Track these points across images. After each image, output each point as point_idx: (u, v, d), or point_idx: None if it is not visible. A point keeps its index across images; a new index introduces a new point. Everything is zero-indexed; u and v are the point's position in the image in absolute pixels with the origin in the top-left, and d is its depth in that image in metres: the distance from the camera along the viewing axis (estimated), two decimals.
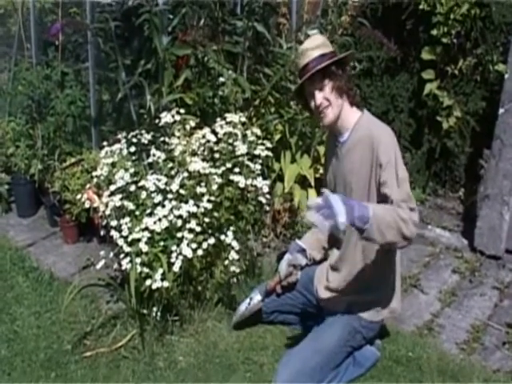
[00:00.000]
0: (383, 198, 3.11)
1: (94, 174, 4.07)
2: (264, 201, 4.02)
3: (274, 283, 3.72)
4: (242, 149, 3.96)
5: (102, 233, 4.06)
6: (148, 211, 3.68)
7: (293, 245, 3.77)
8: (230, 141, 4.02)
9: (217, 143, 4.02)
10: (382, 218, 2.88)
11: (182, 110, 4.13)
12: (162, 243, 3.59)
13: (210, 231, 3.76)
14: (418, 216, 3.01)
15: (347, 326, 3.43)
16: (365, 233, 2.88)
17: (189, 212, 3.61)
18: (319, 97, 3.28)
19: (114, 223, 3.74)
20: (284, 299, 3.78)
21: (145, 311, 3.73)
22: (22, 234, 4.97)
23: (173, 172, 3.89)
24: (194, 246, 3.55)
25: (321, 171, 4.58)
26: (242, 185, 3.87)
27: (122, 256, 3.62)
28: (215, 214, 3.80)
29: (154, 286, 3.49)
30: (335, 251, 3.58)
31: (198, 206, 3.65)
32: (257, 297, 3.75)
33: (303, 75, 3.30)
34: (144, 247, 3.52)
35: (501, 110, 4.70)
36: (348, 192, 3.34)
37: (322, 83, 3.26)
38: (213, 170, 3.81)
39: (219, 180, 3.81)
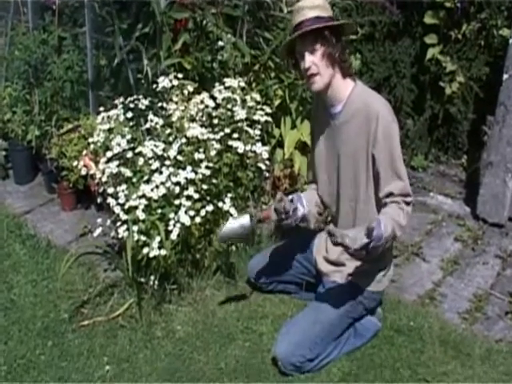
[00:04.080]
0: (377, 177, 3.19)
1: (90, 140, 4.02)
2: (263, 167, 4.00)
3: (268, 212, 3.58)
4: (241, 114, 3.93)
5: (98, 200, 4.02)
6: (145, 178, 3.64)
7: (292, 194, 3.59)
8: (229, 106, 4.00)
9: (215, 108, 3.99)
10: (389, 233, 2.97)
11: (180, 75, 4.08)
12: (159, 211, 3.56)
13: (208, 198, 3.73)
14: (411, 206, 3.17)
15: (348, 297, 3.39)
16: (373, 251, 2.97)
17: (187, 179, 3.58)
18: (308, 60, 3.13)
19: (110, 190, 3.69)
20: (284, 268, 3.74)
21: (142, 280, 3.70)
22: (19, 201, 4.92)
23: (170, 138, 3.85)
24: (191, 213, 3.53)
25: None
26: (241, 151, 3.85)
27: (118, 224, 3.59)
28: (214, 181, 3.77)
29: (151, 255, 3.46)
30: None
31: (196, 173, 3.62)
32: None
33: (295, 32, 3.16)
34: (141, 215, 3.48)
35: (505, 76, 4.64)
36: (344, 164, 3.31)
37: (313, 46, 3.12)
38: (211, 136, 3.77)
39: (218, 146, 3.79)
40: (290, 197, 3.45)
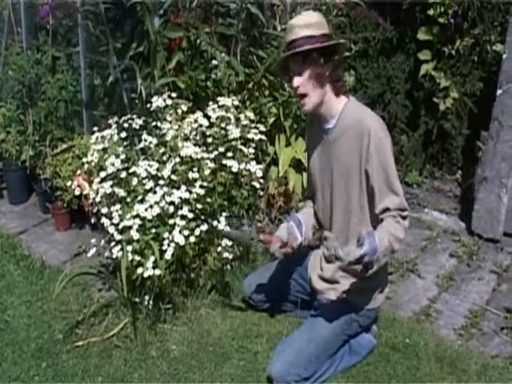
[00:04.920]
0: (371, 193, 3.19)
1: (84, 160, 4.02)
2: (258, 185, 4.01)
3: (271, 238, 3.47)
4: (234, 133, 3.94)
5: (92, 220, 4.02)
6: (139, 198, 3.64)
7: (293, 217, 3.60)
8: (223, 125, 4.00)
9: (209, 127, 4.00)
10: (385, 247, 2.96)
11: (174, 94, 4.09)
12: (153, 230, 3.55)
13: (202, 217, 3.72)
14: (408, 220, 3.17)
15: (343, 315, 3.38)
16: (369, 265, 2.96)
17: (181, 198, 3.58)
18: (296, 80, 3.17)
19: (104, 210, 3.69)
20: (279, 286, 3.74)
21: (137, 299, 3.70)
22: (13, 222, 4.92)
23: (164, 157, 3.84)
24: (186, 232, 3.52)
25: None
26: (235, 169, 3.85)
27: (113, 244, 3.59)
28: (208, 200, 3.77)
29: (145, 274, 3.46)
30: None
31: (191, 192, 3.62)
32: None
33: (287, 50, 3.19)
34: (135, 235, 3.48)
35: (499, 91, 4.65)
36: (337, 178, 3.32)
37: (301, 67, 3.15)
38: (205, 155, 3.78)
39: (212, 165, 3.79)
40: (291, 222, 3.49)
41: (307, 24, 3.15)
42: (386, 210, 3.12)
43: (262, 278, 3.77)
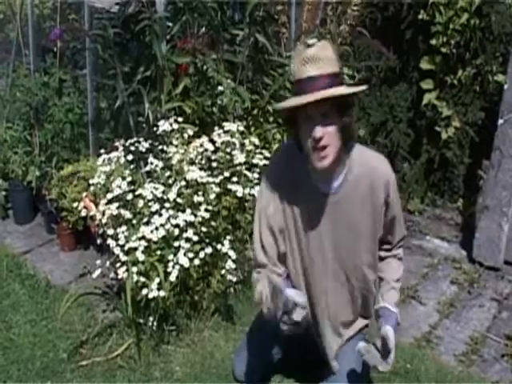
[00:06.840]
0: (387, 233, 3.04)
1: (90, 181, 4.07)
2: None
3: None
4: (239, 158, 3.96)
5: (98, 241, 4.05)
6: (145, 220, 3.67)
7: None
8: (228, 150, 4.02)
9: (215, 152, 4.02)
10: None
11: (180, 119, 4.12)
12: (158, 252, 3.59)
13: (207, 240, 3.75)
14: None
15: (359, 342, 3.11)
16: None
17: (186, 221, 3.61)
18: (324, 130, 2.58)
19: (110, 232, 3.72)
20: (267, 361, 3.45)
21: (141, 320, 3.72)
22: (18, 241, 4.95)
23: (170, 181, 3.88)
24: (190, 255, 3.56)
25: None
26: (239, 194, 3.88)
27: (118, 265, 3.63)
28: (212, 224, 3.79)
29: (150, 296, 3.49)
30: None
31: (196, 215, 3.65)
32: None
33: (309, 89, 2.53)
34: (140, 256, 3.52)
35: (500, 121, 4.68)
36: (343, 236, 2.92)
37: (329, 112, 2.56)
38: (210, 179, 3.81)
39: (217, 189, 3.82)
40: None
41: (330, 58, 2.58)
42: (394, 244, 3.12)
43: (246, 362, 3.44)
